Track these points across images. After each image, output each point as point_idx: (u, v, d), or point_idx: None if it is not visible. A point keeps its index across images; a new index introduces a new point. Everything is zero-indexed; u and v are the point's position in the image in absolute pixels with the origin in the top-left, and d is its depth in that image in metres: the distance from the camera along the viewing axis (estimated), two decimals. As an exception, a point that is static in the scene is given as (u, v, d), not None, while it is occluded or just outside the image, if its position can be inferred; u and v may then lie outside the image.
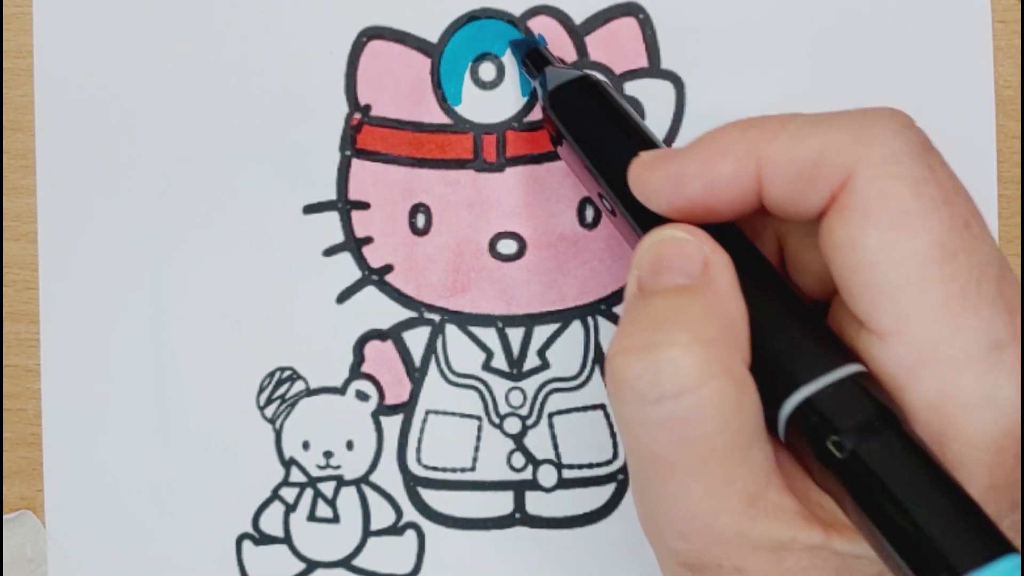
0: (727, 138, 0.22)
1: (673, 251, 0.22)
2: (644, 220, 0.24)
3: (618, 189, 0.25)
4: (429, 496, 0.32)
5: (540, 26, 0.32)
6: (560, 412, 0.32)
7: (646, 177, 0.24)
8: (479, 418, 0.32)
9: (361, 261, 0.32)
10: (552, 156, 0.32)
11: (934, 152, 0.22)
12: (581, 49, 0.32)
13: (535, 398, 0.32)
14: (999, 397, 0.20)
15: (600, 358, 0.32)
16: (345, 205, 0.32)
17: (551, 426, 0.32)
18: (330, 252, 0.32)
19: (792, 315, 0.22)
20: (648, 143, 0.26)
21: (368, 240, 0.32)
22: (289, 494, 0.32)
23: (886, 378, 0.21)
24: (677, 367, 0.20)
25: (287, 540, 0.32)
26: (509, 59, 0.32)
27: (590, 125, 0.28)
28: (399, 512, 0.32)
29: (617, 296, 0.32)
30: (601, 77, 0.29)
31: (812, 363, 0.21)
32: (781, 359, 0.22)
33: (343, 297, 0.32)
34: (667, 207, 0.23)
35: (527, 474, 0.32)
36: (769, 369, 0.22)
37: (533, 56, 0.30)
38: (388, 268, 0.32)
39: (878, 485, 0.20)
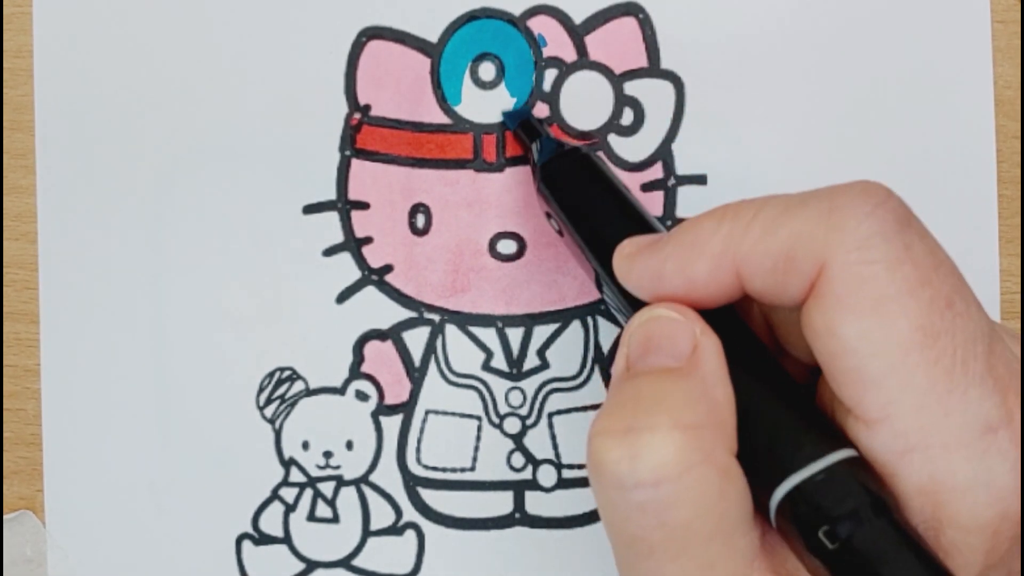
0: (702, 233, 0.22)
1: (662, 332, 0.22)
2: (633, 298, 0.24)
3: (607, 267, 0.25)
4: (429, 496, 0.32)
5: (540, 26, 0.32)
6: (560, 412, 0.32)
7: (627, 269, 0.24)
8: (479, 418, 0.32)
9: (361, 261, 0.32)
10: (552, 156, 0.32)
11: (912, 227, 0.21)
12: (581, 49, 0.32)
13: (535, 398, 0.32)
14: (992, 481, 0.20)
15: (600, 358, 0.32)
16: (345, 205, 0.32)
17: (551, 426, 0.32)
18: (330, 252, 0.32)
19: (782, 399, 0.22)
20: (638, 220, 0.26)
21: (368, 240, 0.32)
22: (289, 494, 0.32)
23: (877, 463, 0.21)
24: (656, 454, 0.20)
25: (287, 540, 0.32)
26: (509, 59, 0.32)
27: (581, 200, 0.28)
28: (399, 512, 0.32)
29: (617, 296, 0.32)
30: (590, 151, 0.29)
31: (801, 450, 0.21)
32: (770, 445, 0.21)
33: (343, 297, 0.32)
34: (651, 298, 0.23)
35: (527, 474, 0.32)
36: (758, 455, 0.21)
37: (526, 126, 0.31)
38: (388, 268, 0.32)
39: None
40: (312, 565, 0.32)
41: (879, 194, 0.21)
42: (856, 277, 0.20)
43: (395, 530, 0.32)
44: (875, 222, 0.20)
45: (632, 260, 0.24)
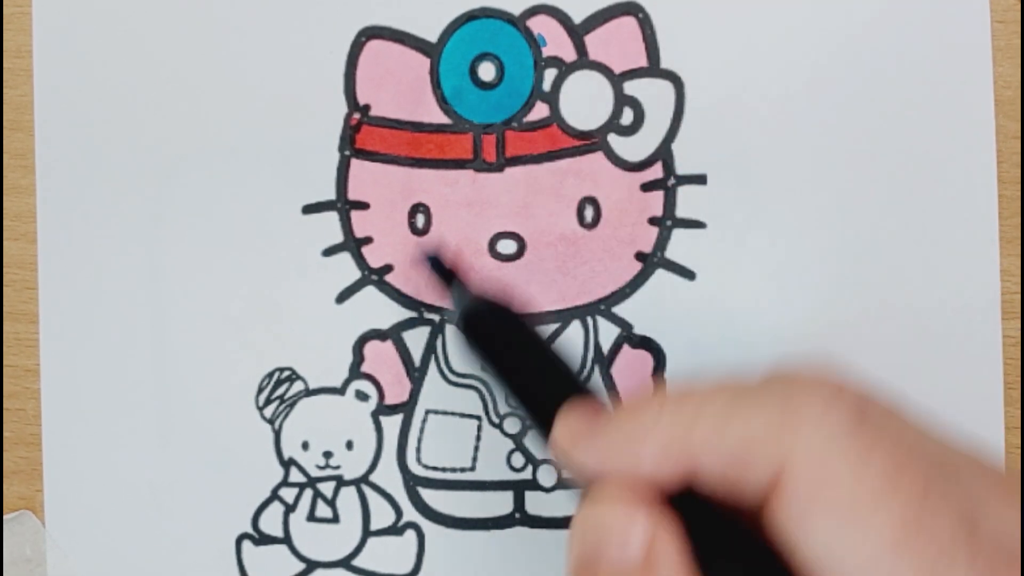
0: (645, 421, 0.21)
1: (610, 534, 0.20)
2: None
3: (538, 418, 0.24)
4: (429, 496, 0.32)
5: (539, 25, 0.32)
6: (560, 412, 0.32)
7: (569, 452, 0.22)
8: (479, 418, 0.32)
9: (361, 261, 0.32)
10: (551, 156, 0.32)
11: (871, 418, 0.20)
12: (580, 48, 0.32)
13: (535, 398, 0.32)
14: None
15: (600, 358, 0.32)
16: (344, 205, 0.32)
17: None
18: (330, 252, 0.32)
19: None
20: (564, 375, 0.25)
21: (368, 240, 0.32)
22: (288, 494, 0.32)
23: None
24: None
25: (287, 540, 0.32)
26: (509, 59, 0.32)
27: (503, 354, 0.26)
28: (399, 512, 0.32)
29: (617, 296, 0.32)
30: (507, 305, 0.27)
31: None
32: None
33: (343, 297, 0.32)
34: (594, 478, 0.22)
35: (527, 474, 0.32)
36: None
37: (441, 270, 0.29)
38: (388, 268, 0.32)
39: None
40: (312, 565, 0.32)
41: (830, 389, 0.20)
42: (821, 483, 0.19)
43: (395, 530, 0.32)
44: (834, 420, 0.20)
45: (573, 443, 0.22)
